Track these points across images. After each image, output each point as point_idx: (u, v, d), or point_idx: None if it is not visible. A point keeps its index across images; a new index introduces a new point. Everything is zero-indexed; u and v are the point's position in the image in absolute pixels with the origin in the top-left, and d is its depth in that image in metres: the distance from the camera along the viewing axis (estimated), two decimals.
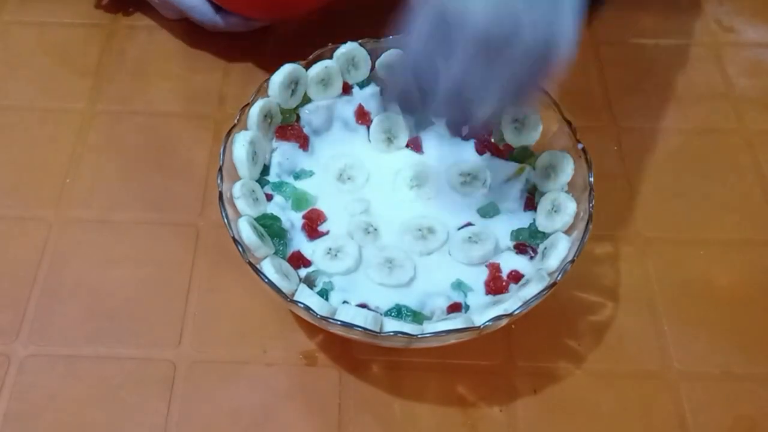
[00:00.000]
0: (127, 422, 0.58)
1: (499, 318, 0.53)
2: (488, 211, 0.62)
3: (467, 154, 0.65)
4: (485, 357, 0.61)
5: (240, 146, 0.60)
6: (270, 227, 0.59)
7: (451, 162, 0.64)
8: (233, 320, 0.63)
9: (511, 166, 0.64)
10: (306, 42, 0.72)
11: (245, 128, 0.62)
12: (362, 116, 0.66)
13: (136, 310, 0.63)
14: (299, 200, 0.62)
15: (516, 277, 0.59)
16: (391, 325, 0.55)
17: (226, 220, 0.56)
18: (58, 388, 0.59)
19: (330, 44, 0.66)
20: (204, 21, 0.75)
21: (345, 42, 0.66)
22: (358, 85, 0.67)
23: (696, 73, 0.81)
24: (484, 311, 0.55)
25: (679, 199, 0.71)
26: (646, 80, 0.80)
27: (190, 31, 0.82)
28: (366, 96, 0.66)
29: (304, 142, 0.64)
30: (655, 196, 0.71)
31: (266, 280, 0.54)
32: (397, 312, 0.57)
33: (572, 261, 0.55)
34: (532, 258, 0.60)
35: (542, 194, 0.62)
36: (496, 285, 0.58)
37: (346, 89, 0.66)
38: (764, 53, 0.82)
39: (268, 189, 0.62)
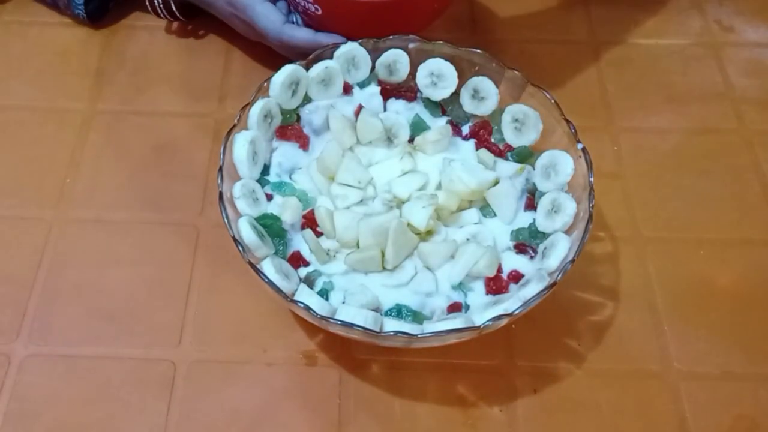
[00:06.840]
0: (127, 422, 0.58)
1: (499, 318, 0.53)
2: (488, 211, 0.62)
3: (467, 153, 0.65)
4: (485, 357, 0.61)
5: (240, 146, 0.60)
6: (270, 227, 0.59)
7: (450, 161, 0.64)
8: (233, 320, 0.63)
9: (511, 166, 0.64)
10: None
11: (245, 128, 0.62)
12: None
13: (136, 310, 0.63)
14: (299, 200, 0.62)
15: (516, 276, 0.59)
16: (391, 324, 0.55)
17: (226, 220, 0.56)
18: (58, 388, 0.59)
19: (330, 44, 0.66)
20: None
21: (345, 42, 0.66)
22: (358, 85, 0.67)
23: (696, 73, 0.81)
24: (484, 311, 0.55)
25: (679, 199, 0.71)
26: (646, 80, 0.80)
27: (190, 31, 0.82)
28: (366, 96, 0.66)
29: (304, 142, 0.64)
30: (655, 196, 0.71)
31: (266, 280, 0.54)
32: (397, 312, 0.57)
33: (572, 261, 0.55)
34: (532, 258, 0.60)
35: (542, 194, 0.62)
36: (496, 285, 0.58)
37: (347, 89, 0.66)
38: (764, 53, 0.82)
39: (268, 189, 0.62)
